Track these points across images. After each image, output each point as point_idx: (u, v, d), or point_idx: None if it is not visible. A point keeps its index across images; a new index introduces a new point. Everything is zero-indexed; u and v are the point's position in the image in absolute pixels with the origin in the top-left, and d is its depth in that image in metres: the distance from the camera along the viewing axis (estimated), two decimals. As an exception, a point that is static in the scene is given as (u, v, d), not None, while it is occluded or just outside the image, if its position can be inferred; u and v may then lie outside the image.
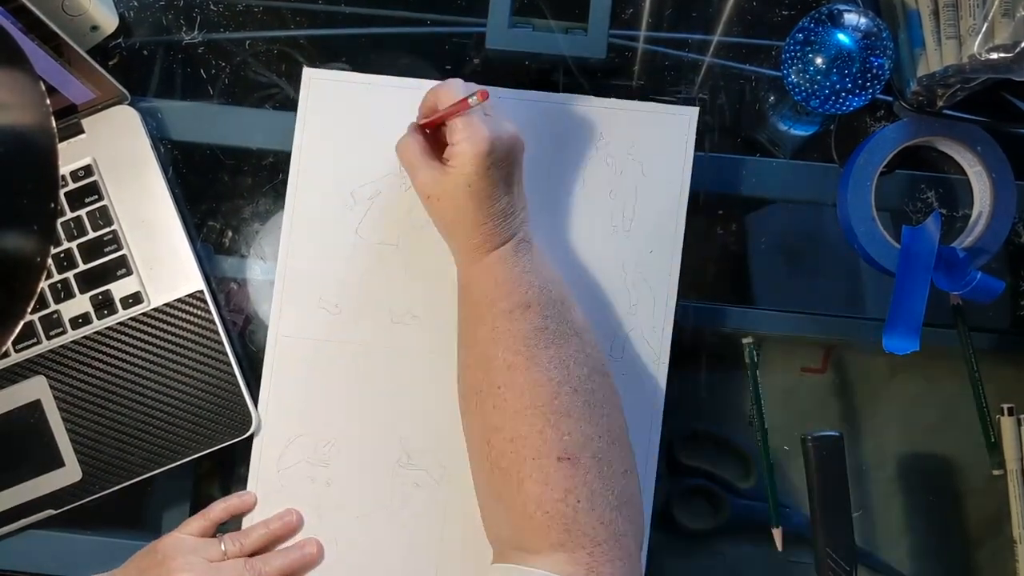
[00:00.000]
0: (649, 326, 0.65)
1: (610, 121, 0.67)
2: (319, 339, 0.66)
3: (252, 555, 0.63)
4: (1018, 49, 0.59)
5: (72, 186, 0.67)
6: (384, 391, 0.66)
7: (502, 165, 0.57)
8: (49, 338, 0.66)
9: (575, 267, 0.66)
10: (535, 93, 0.67)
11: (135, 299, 0.66)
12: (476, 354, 0.57)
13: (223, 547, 0.62)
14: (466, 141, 0.55)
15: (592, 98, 0.67)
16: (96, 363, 0.66)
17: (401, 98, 0.67)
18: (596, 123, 0.67)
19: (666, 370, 0.65)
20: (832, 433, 0.65)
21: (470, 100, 0.55)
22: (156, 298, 0.67)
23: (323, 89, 0.68)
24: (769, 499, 0.65)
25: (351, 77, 0.68)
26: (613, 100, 0.67)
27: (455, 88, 0.58)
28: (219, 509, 0.64)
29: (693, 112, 0.67)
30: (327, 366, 0.66)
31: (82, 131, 0.68)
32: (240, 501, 0.65)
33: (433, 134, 0.61)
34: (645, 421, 0.64)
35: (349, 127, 0.68)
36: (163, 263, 0.67)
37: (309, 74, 0.68)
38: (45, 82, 0.49)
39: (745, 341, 0.66)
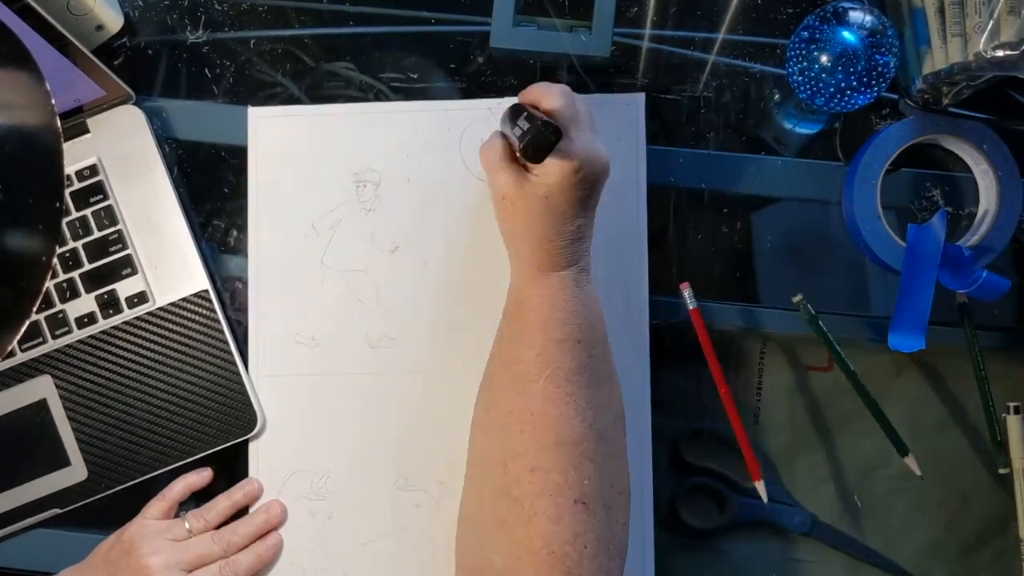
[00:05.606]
0: (625, 317, 0.65)
1: None
2: (301, 374, 0.66)
3: (217, 528, 0.64)
4: (1024, 46, 0.59)
5: (77, 185, 0.67)
6: (372, 417, 0.66)
7: (584, 186, 0.55)
8: (55, 337, 0.66)
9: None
10: (471, 103, 0.67)
11: (140, 298, 0.66)
12: (515, 374, 0.56)
13: (187, 525, 0.63)
14: (556, 152, 0.53)
15: None
16: (102, 362, 0.66)
17: (349, 124, 0.67)
18: None
19: (648, 359, 0.65)
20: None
21: None
22: (161, 297, 0.67)
23: (270, 127, 0.68)
24: (888, 431, 0.65)
25: (296, 111, 0.68)
26: None
27: (556, 97, 0.55)
28: (178, 488, 0.65)
29: (640, 98, 0.67)
30: (312, 400, 0.66)
31: (87, 130, 0.68)
32: (198, 477, 0.65)
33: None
34: (634, 413, 0.62)
35: (301, 160, 0.68)
36: (168, 262, 0.67)
37: (254, 113, 0.68)
38: (50, 82, 0.49)
39: (795, 299, 0.65)
